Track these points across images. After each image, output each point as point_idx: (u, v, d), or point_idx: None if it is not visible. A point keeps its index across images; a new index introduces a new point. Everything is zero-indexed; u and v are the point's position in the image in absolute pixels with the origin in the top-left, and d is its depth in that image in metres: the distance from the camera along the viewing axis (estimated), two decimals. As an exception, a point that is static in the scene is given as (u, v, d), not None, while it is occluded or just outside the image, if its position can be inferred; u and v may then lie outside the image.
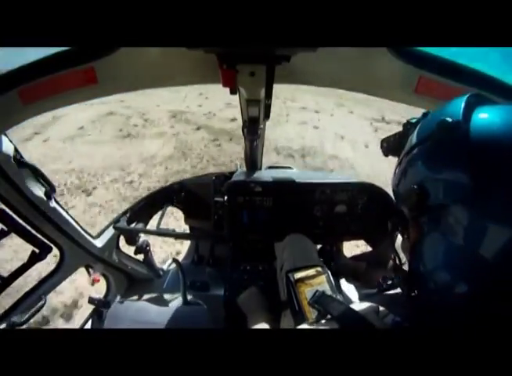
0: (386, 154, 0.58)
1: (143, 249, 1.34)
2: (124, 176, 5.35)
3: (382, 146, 0.58)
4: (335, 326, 0.56)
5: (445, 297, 0.45)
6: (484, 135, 0.39)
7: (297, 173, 1.87)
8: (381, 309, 0.59)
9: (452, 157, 0.41)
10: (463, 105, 0.44)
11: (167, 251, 3.47)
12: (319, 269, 0.99)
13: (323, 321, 0.62)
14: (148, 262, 1.38)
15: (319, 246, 1.57)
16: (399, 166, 0.52)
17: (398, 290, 0.74)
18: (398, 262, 0.60)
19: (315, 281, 0.95)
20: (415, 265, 0.50)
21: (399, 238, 0.63)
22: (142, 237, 1.53)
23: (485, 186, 0.37)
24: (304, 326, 0.63)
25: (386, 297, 0.67)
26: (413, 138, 0.49)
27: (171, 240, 3.23)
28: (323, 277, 0.96)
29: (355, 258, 1.57)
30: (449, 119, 0.42)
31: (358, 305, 0.63)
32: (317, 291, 0.89)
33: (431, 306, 0.49)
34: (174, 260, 1.56)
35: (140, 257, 1.58)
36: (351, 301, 0.82)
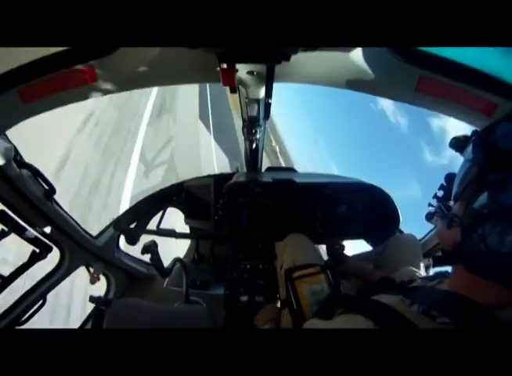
0: (452, 147, 0.67)
1: (151, 249, 1.34)
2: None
3: (451, 142, 0.66)
4: (360, 318, 0.56)
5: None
6: None
7: (297, 174, 1.87)
8: (405, 299, 0.59)
9: None
10: None
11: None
12: (318, 268, 0.99)
13: (341, 316, 0.62)
14: (155, 262, 1.38)
15: (322, 246, 1.57)
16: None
17: (417, 283, 0.74)
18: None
19: (314, 280, 0.95)
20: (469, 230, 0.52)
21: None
22: (146, 238, 1.53)
23: None
24: (310, 325, 0.63)
25: (397, 291, 0.68)
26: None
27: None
28: (322, 276, 0.96)
29: (360, 258, 1.57)
30: None
31: (381, 297, 0.64)
32: (317, 290, 0.89)
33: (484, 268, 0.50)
34: (178, 259, 1.55)
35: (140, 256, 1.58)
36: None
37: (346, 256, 1.50)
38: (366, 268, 1.29)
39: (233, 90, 0.89)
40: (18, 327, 1.09)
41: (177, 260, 1.54)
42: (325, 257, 1.56)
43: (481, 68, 0.75)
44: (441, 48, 0.74)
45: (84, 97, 0.87)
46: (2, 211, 0.93)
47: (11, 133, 0.88)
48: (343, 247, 1.54)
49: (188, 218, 1.94)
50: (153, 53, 0.80)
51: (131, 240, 1.68)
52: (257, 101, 1.02)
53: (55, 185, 1.05)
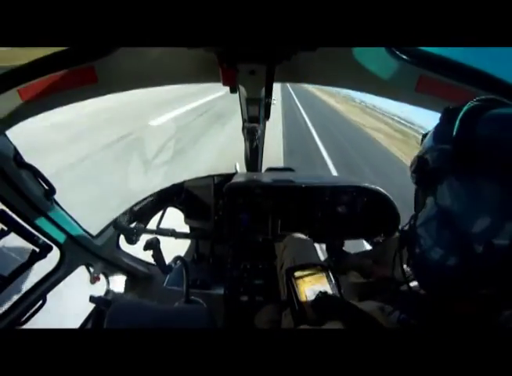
0: None
1: (153, 246, 1.34)
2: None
3: (422, 140, 0.64)
4: (340, 325, 0.56)
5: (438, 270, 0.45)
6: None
7: (297, 175, 1.87)
8: (386, 306, 0.59)
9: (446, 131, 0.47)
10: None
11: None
12: (319, 267, 0.99)
13: (327, 321, 0.62)
14: (157, 259, 1.38)
15: (322, 245, 1.58)
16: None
17: (404, 287, 0.74)
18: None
19: (315, 280, 0.95)
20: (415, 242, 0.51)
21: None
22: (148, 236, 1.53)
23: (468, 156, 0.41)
24: (306, 326, 0.63)
25: (391, 295, 0.68)
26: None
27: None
28: (323, 276, 0.96)
29: (360, 254, 1.57)
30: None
31: (363, 304, 0.64)
32: (318, 290, 0.89)
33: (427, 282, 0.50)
34: (180, 258, 1.55)
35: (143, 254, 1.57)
36: (353, 300, 0.83)
37: (346, 252, 1.50)
38: (366, 263, 1.30)
39: (233, 90, 0.89)
40: (18, 327, 1.09)
41: (178, 258, 1.54)
42: (325, 254, 1.57)
43: (481, 68, 0.75)
44: (441, 48, 0.74)
45: (85, 97, 0.87)
46: (2, 210, 0.93)
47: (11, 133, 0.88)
48: (342, 244, 1.55)
49: (188, 218, 1.94)
50: (153, 53, 0.80)
51: (131, 240, 1.68)
52: (257, 101, 1.02)
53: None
